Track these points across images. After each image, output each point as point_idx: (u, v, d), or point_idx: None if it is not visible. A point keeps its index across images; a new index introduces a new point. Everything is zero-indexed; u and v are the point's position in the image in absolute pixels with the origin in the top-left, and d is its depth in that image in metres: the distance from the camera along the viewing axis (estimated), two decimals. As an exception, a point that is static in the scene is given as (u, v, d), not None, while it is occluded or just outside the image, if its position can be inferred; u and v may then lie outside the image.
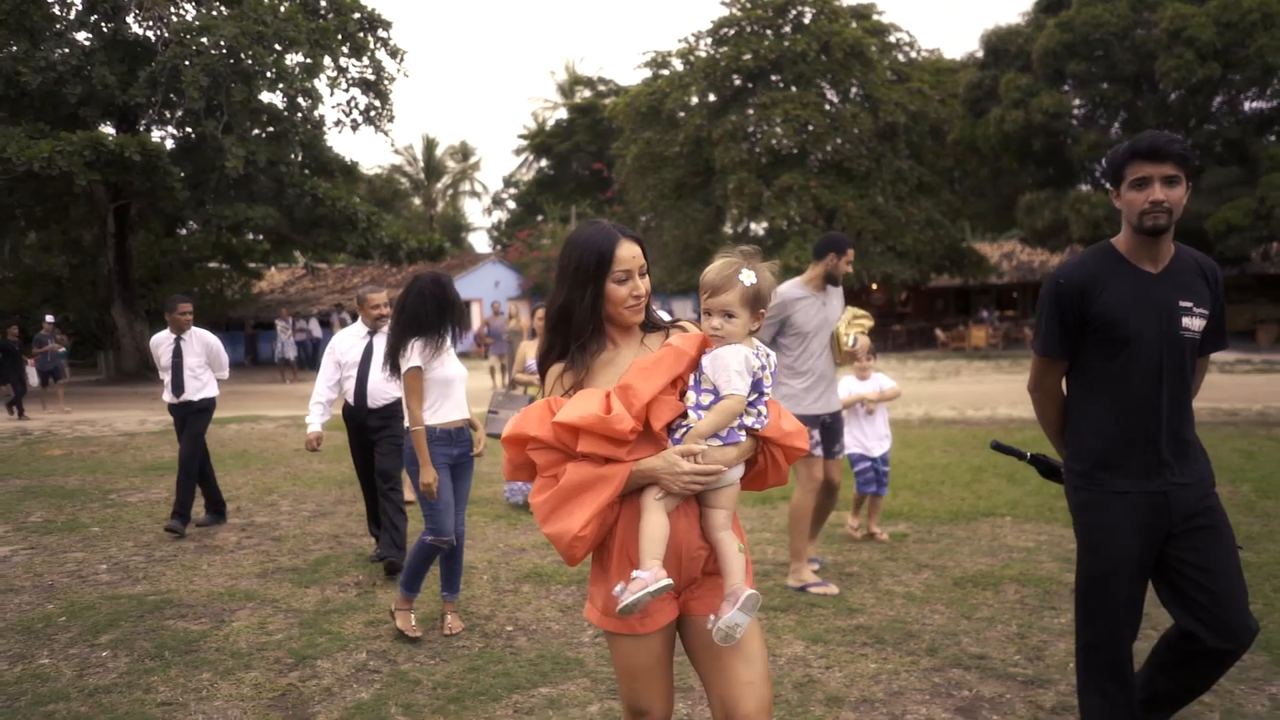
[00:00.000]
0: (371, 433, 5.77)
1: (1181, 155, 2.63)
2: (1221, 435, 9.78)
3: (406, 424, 4.40)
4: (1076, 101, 27.14)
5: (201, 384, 7.16)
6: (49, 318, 20.18)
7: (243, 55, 21.10)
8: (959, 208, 35.58)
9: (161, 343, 7.15)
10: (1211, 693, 3.30)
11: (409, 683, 3.85)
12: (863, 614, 4.55)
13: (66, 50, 21.22)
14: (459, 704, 3.62)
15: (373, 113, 26.75)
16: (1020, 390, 15.55)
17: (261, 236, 28.65)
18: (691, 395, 2.17)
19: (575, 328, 2.20)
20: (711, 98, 33.92)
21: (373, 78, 26.13)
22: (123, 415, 16.13)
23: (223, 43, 20.76)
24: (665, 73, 36.25)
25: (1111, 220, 23.60)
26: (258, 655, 4.20)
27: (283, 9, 22.77)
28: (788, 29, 32.81)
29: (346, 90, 26.20)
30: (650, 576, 2.05)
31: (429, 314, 4.37)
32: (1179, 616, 2.75)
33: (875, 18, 34.03)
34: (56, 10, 22.02)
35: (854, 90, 32.49)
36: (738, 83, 33.38)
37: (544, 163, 57.14)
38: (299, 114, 24.57)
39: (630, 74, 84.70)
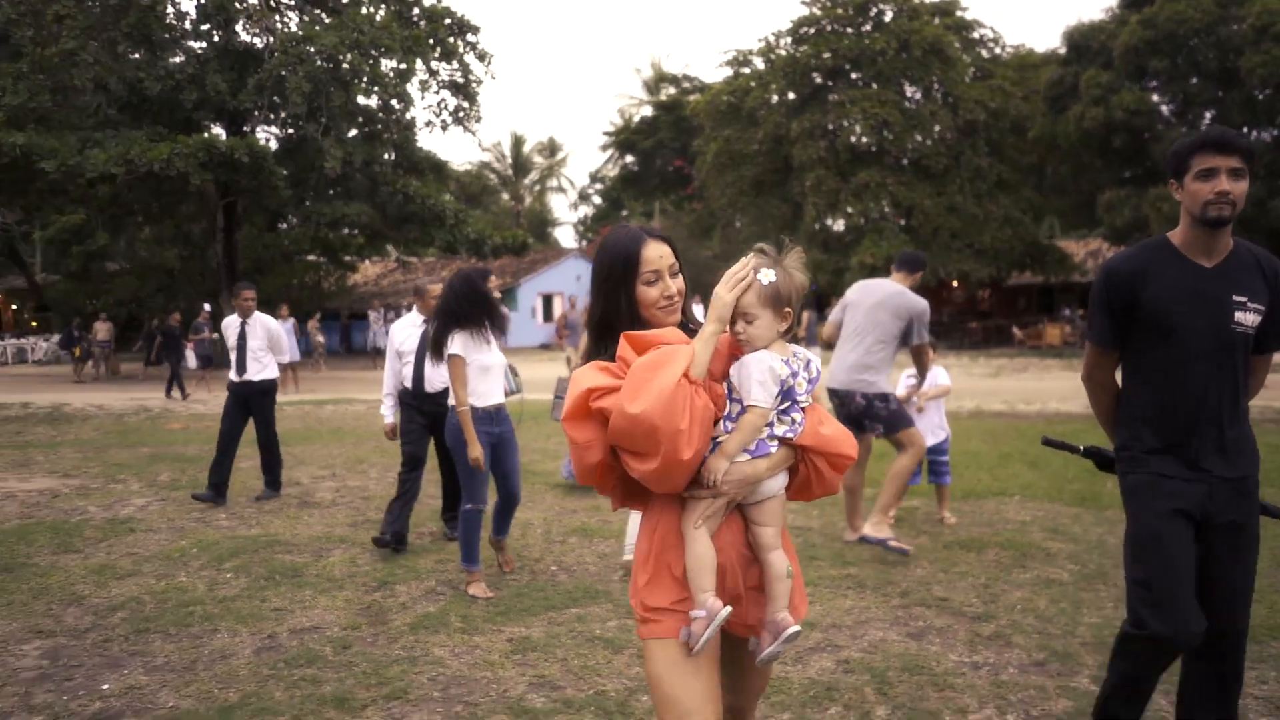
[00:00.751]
0: (428, 416, 6.00)
1: (1249, 150, 2.67)
2: None
3: (452, 404, 5.05)
4: (1156, 98, 26.84)
5: (262, 365, 7.70)
6: (206, 306, 21.93)
7: (342, 63, 22.50)
8: (1040, 205, 35.33)
9: (230, 325, 7.80)
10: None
11: (466, 602, 4.76)
12: (855, 566, 5.29)
13: (183, 59, 22.96)
14: (505, 616, 4.51)
15: (461, 114, 28.01)
16: (1073, 386, 15.84)
17: (356, 231, 30.28)
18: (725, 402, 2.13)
19: (598, 327, 2.21)
20: (791, 95, 34.36)
21: (461, 80, 27.38)
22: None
23: (324, 51, 22.18)
24: (746, 71, 36.86)
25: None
26: (349, 580, 5.16)
27: (379, 18, 24.16)
28: (868, 27, 33.06)
29: (437, 92, 27.55)
30: (708, 613, 2.02)
31: (463, 307, 4.92)
32: None
33: (958, 14, 34.02)
34: (173, 22, 23.82)
35: (933, 88, 32.58)
36: (817, 80, 33.76)
37: (629, 159, 58.08)
38: (392, 116, 25.96)
39: (714, 71, 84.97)
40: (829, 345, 5.90)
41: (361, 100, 24.95)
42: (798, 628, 2.09)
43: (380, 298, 39.07)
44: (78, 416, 14.50)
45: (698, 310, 2.40)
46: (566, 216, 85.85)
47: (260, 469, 7.90)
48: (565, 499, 7.37)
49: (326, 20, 25.22)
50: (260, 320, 7.80)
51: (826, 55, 32.75)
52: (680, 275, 2.19)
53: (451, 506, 6.21)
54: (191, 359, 20.06)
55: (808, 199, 32.50)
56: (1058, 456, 8.77)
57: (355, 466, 9.05)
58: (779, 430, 2.08)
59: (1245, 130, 26.60)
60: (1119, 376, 2.93)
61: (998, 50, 34.96)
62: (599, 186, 61.89)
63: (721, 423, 2.07)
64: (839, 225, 34.34)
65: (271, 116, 25.33)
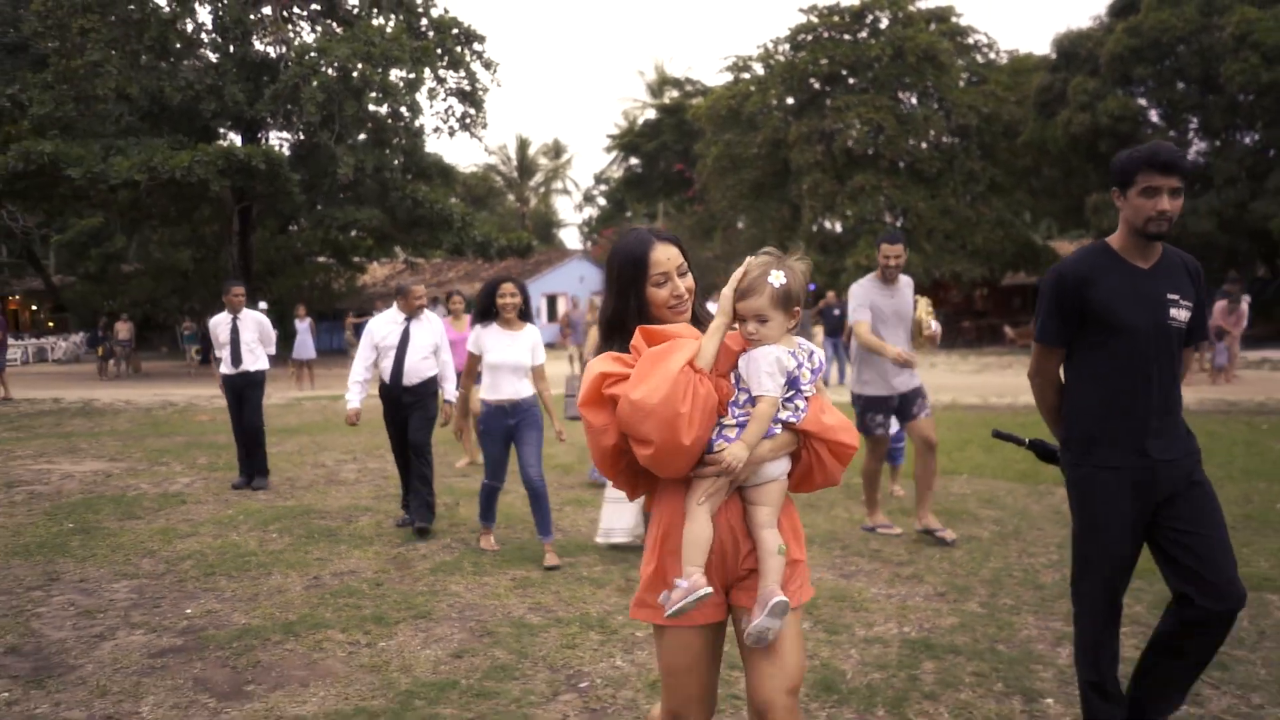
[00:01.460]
0: (405, 408, 6.40)
1: (1188, 171, 2.86)
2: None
3: (444, 397, 5.87)
4: (1143, 103, 27.64)
5: (255, 356, 8.19)
6: (262, 305, 22.66)
7: (353, 73, 23.45)
8: (1033, 207, 36.18)
9: (220, 322, 8.18)
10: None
11: (477, 553, 5.68)
12: (809, 529, 6.19)
13: (202, 70, 23.94)
14: (510, 563, 5.43)
15: (468, 120, 28.92)
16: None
17: (365, 234, 31.24)
18: (732, 389, 2.21)
19: (610, 327, 2.28)
20: (790, 100, 35.26)
21: (468, 88, 28.29)
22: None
23: (337, 63, 23.13)
24: (746, 76, 37.77)
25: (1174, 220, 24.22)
26: (376, 538, 6.08)
27: (389, 29, 25.10)
28: (864, 34, 33.93)
29: (444, 100, 28.44)
30: (689, 585, 2.09)
31: (484, 307, 5.55)
32: (1170, 579, 2.94)
33: (954, 20, 34.88)
34: (192, 35, 24.81)
35: (928, 93, 33.43)
36: (815, 86, 34.63)
37: (633, 161, 58.90)
38: (401, 123, 26.91)
39: (716, 75, 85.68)
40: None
41: (372, 108, 25.90)
42: (783, 598, 2.11)
43: (388, 298, 40.03)
44: (109, 410, 15.45)
45: (712, 309, 2.52)
46: (571, 218, 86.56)
47: (239, 458, 8.23)
48: (564, 476, 8.27)
49: (339, 32, 26.20)
50: (250, 315, 8.28)
51: (824, 61, 33.58)
52: (689, 275, 2.29)
53: (411, 492, 6.48)
54: None
55: (805, 201, 33.36)
56: (999, 441, 9.65)
57: (374, 452, 9.96)
58: (783, 415, 2.18)
59: (1226, 134, 27.44)
60: (1063, 373, 3.12)
61: (992, 55, 35.83)
62: (603, 188, 62.60)
63: (728, 409, 2.17)
64: (836, 227, 35.19)
65: (286, 124, 26.32)
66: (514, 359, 5.50)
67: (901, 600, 4.65)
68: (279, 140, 27.79)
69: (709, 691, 2.25)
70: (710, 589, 2.10)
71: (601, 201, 62.89)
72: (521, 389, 5.57)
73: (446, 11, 27.99)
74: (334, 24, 27.49)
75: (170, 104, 23.62)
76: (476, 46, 28.28)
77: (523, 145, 63.63)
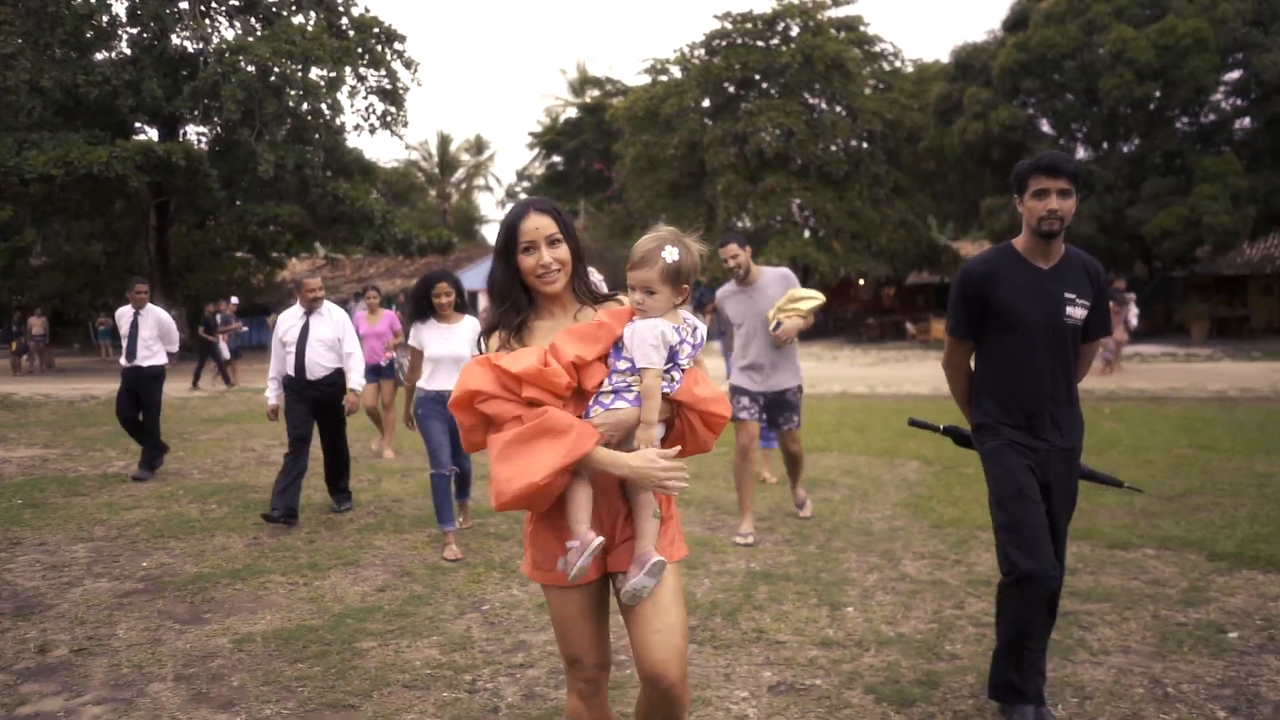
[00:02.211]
0: (313, 403, 6.52)
1: (1074, 172, 3.08)
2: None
3: (350, 386, 6.35)
4: (1031, 114, 29.44)
5: (152, 353, 8.33)
6: (233, 299, 22.48)
7: (274, 72, 23.77)
8: (933, 210, 38.03)
9: (123, 316, 8.42)
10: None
11: (397, 517, 6.50)
12: (692, 495, 7.14)
13: (119, 63, 23.97)
14: (427, 523, 6.25)
15: (389, 118, 29.34)
16: (932, 373, 18.08)
17: (285, 230, 31.40)
18: (611, 360, 2.26)
19: (500, 298, 2.34)
20: (705, 103, 36.43)
21: (389, 87, 28.72)
22: (173, 386, 18.84)
23: (257, 61, 23.42)
24: (664, 79, 38.84)
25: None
26: (308, 508, 6.83)
27: (309, 28, 25.44)
28: (775, 41, 35.25)
29: (365, 98, 28.84)
30: (582, 543, 2.17)
31: (418, 306, 5.83)
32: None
33: (862, 29, 36.42)
34: (107, 29, 24.78)
35: (835, 99, 34.93)
36: (730, 90, 35.86)
37: (554, 159, 59.44)
38: (321, 121, 27.23)
39: (636, 76, 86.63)
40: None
41: (292, 106, 26.19)
42: (660, 558, 2.20)
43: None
44: (30, 403, 15.69)
45: (599, 280, 2.62)
46: (494, 214, 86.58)
47: (140, 450, 8.51)
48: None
49: (259, 29, 26.41)
50: (152, 311, 8.44)
51: (737, 66, 34.77)
52: (562, 246, 2.28)
53: (331, 481, 6.85)
54: (225, 350, 19.95)
55: (720, 202, 34.54)
56: (882, 425, 10.81)
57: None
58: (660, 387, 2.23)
59: (1106, 144, 29.42)
60: (973, 363, 3.36)
61: (898, 64, 37.50)
62: (526, 185, 63.06)
63: (606, 378, 2.24)
64: (749, 226, 36.47)
65: (205, 120, 26.43)
66: (453, 351, 5.68)
67: (753, 545, 5.61)
68: (197, 135, 27.88)
69: (598, 639, 2.35)
70: (601, 539, 2.20)
71: (524, 198, 63.18)
72: (453, 380, 5.83)
73: (367, 10, 28.41)
74: (253, 20, 27.67)
75: (86, 98, 23.61)
76: (397, 46, 28.74)
77: (444, 141, 63.67)
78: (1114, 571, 4.96)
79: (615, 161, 40.69)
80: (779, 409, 5.82)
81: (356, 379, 6.66)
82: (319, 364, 6.51)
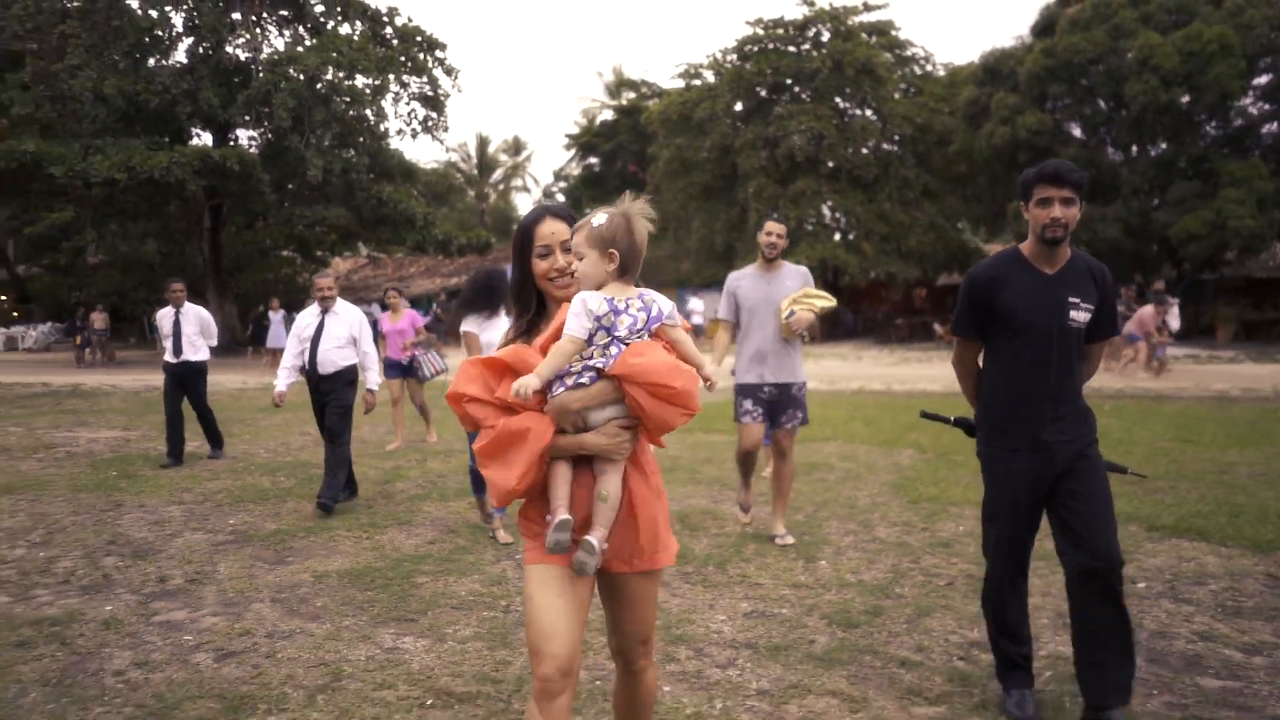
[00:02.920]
0: (323, 395, 6.84)
1: (1078, 182, 3.13)
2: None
3: (367, 385, 6.81)
4: (1058, 119, 29.89)
5: (196, 348, 8.94)
6: (274, 300, 23.89)
7: (322, 81, 24.97)
8: (964, 212, 38.48)
9: (164, 316, 8.99)
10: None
11: (442, 489, 7.42)
12: (710, 477, 7.99)
13: (178, 73, 25.31)
14: (468, 494, 7.17)
15: (430, 123, 30.49)
16: (944, 370, 18.78)
17: (330, 231, 32.69)
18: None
19: (512, 297, 2.44)
20: (738, 107, 37.20)
21: (430, 93, 29.87)
22: (229, 378, 20.01)
23: (306, 71, 24.62)
24: (697, 83, 39.66)
25: (1085, 226, 26.47)
26: (363, 481, 7.77)
27: (355, 38, 26.62)
28: (806, 46, 35.94)
29: (408, 104, 30.02)
30: (553, 520, 2.23)
31: (478, 296, 5.91)
32: (1058, 542, 3.29)
33: (893, 33, 36.99)
34: (167, 41, 26.15)
35: (865, 103, 35.54)
36: (761, 94, 36.61)
37: (591, 160, 60.37)
38: (366, 126, 28.42)
39: (671, 80, 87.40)
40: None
41: (339, 112, 27.40)
42: (591, 538, 2.22)
43: (351, 291, 41.37)
44: (99, 392, 16.89)
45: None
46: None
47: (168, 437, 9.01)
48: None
49: (307, 39, 27.65)
50: (192, 309, 9.00)
51: (769, 71, 35.51)
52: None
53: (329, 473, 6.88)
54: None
55: (751, 204, 35.28)
56: (889, 419, 11.58)
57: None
58: (595, 362, 2.21)
59: (1133, 148, 29.79)
60: (981, 361, 3.48)
61: (929, 67, 38.00)
62: (562, 185, 64.00)
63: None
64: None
65: (256, 125, 27.72)
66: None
67: (751, 516, 6.46)
68: (249, 141, 29.18)
69: (564, 630, 2.28)
70: (569, 516, 2.23)
71: (560, 199, 64.23)
72: None
73: (410, 20, 29.56)
74: (301, 29, 28.93)
75: (147, 106, 24.96)
76: (438, 54, 29.88)
77: (483, 143, 64.93)
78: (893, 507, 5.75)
79: (650, 164, 41.52)
80: (784, 405, 5.61)
81: (373, 378, 6.99)
82: (330, 360, 6.82)
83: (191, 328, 8.97)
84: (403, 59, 28.38)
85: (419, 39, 29.19)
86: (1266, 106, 28.55)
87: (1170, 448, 9.11)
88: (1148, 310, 17.64)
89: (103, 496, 7.24)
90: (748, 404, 5.63)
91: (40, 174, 23.98)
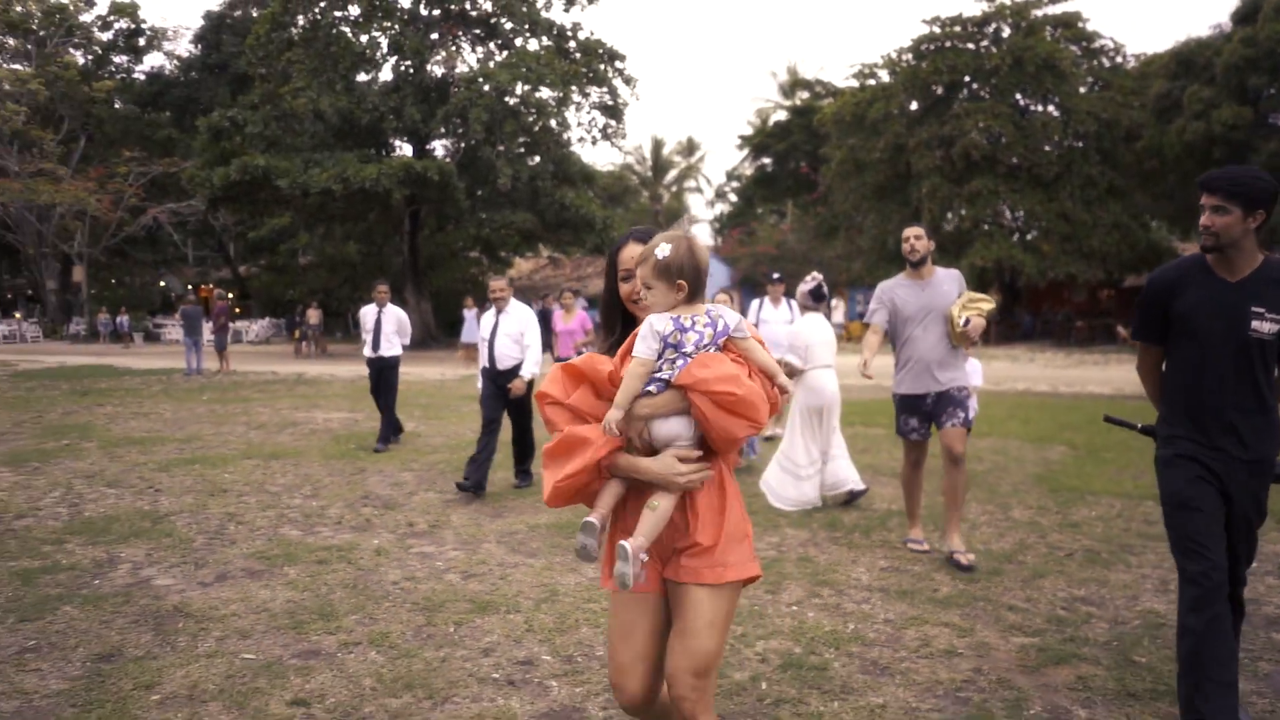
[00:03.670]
0: (501, 389, 7.47)
1: (1228, 190, 3.04)
2: None
3: (520, 374, 7.43)
4: (1259, 110, 28.36)
5: (393, 345, 9.73)
6: (469, 300, 26.38)
7: (512, 96, 26.92)
8: (1152, 210, 36.82)
9: (368, 314, 9.79)
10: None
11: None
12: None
13: (385, 93, 27.91)
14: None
15: (609, 130, 32.11)
16: (1120, 375, 18.52)
17: (514, 233, 34.91)
18: None
19: (600, 317, 2.56)
20: (913, 106, 36.99)
21: (610, 103, 31.45)
22: (429, 370, 22.04)
23: (498, 87, 26.61)
24: (872, 83, 39.65)
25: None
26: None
27: (541, 54, 28.48)
28: (985, 43, 35.36)
29: (588, 113, 31.75)
30: (584, 520, 2.30)
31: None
32: None
33: (1079, 25, 35.83)
34: (377, 60, 28.82)
35: (1047, 100, 34.63)
36: (938, 93, 36.28)
37: (764, 160, 60.84)
38: (551, 136, 30.29)
39: (846, 80, 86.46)
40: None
41: (527, 123, 29.39)
42: (626, 542, 2.21)
43: (532, 291, 43.78)
44: (321, 380, 19.10)
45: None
46: (703, 214, 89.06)
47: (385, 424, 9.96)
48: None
49: (498, 56, 29.76)
50: (392, 309, 9.79)
51: (945, 70, 35.17)
52: None
53: (519, 462, 7.84)
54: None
55: (925, 204, 35.07)
56: (1048, 419, 11.92)
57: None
58: (663, 374, 2.27)
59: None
60: (1164, 367, 3.40)
61: (1119, 59, 36.56)
62: (735, 185, 64.66)
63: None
64: (953, 227, 36.76)
65: (450, 136, 30.11)
66: None
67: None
68: (443, 150, 31.64)
69: (643, 662, 2.34)
70: (594, 520, 2.28)
71: (733, 198, 64.91)
72: None
73: (592, 34, 31.22)
74: (492, 45, 31.10)
75: (358, 123, 27.64)
76: (618, 64, 31.42)
77: (657, 145, 66.46)
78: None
79: (822, 165, 41.80)
80: (944, 405, 5.37)
81: (528, 367, 7.47)
82: (507, 355, 7.42)
83: (390, 326, 9.80)
84: (585, 71, 30.05)
85: (600, 50, 30.81)
86: None
87: None
88: None
89: (348, 463, 8.74)
90: (913, 421, 5.50)
91: (268, 185, 27.01)
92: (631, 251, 2.44)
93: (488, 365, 7.51)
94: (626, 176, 65.72)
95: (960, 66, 34.82)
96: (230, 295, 52.26)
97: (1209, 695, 3.01)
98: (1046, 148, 34.21)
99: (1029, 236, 34.90)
